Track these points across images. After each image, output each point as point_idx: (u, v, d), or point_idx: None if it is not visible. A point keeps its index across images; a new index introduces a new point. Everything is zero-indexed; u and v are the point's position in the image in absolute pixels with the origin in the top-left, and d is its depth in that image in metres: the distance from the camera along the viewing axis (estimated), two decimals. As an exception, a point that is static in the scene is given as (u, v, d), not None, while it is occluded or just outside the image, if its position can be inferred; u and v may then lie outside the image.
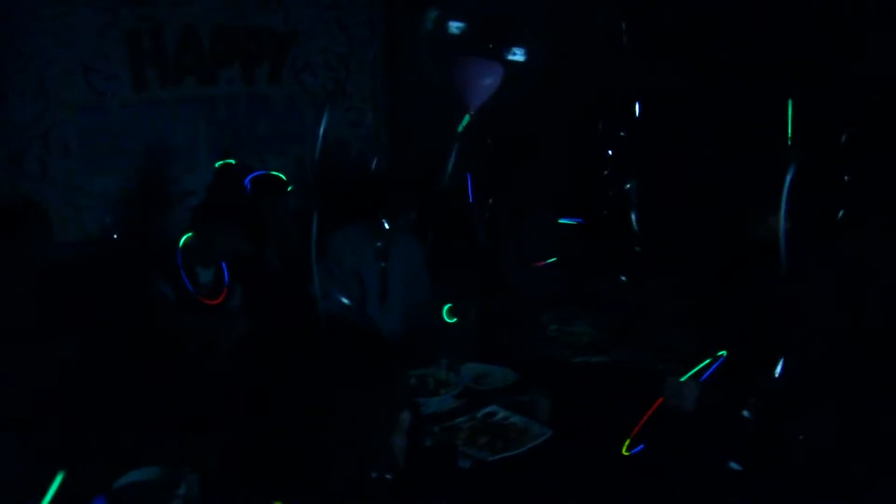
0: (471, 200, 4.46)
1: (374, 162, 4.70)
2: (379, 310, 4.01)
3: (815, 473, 2.62)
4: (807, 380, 2.75)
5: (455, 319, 3.87)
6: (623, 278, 4.12)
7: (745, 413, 2.76)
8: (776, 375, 2.69)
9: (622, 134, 4.40)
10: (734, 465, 2.69)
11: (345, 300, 3.68)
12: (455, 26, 3.77)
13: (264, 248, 4.29)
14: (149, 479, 2.61)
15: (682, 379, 2.93)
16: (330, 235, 4.09)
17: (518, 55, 3.81)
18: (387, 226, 3.89)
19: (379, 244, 3.93)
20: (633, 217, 4.10)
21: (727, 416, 2.82)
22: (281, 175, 4.21)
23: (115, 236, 4.56)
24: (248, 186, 4.27)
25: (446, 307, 3.88)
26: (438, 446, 2.86)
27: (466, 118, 3.84)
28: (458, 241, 4.29)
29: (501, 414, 3.13)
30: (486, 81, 3.83)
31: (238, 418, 2.76)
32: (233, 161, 4.16)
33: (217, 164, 4.20)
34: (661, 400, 2.90)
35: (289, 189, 4.30)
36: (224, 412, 2.90)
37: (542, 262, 4.24)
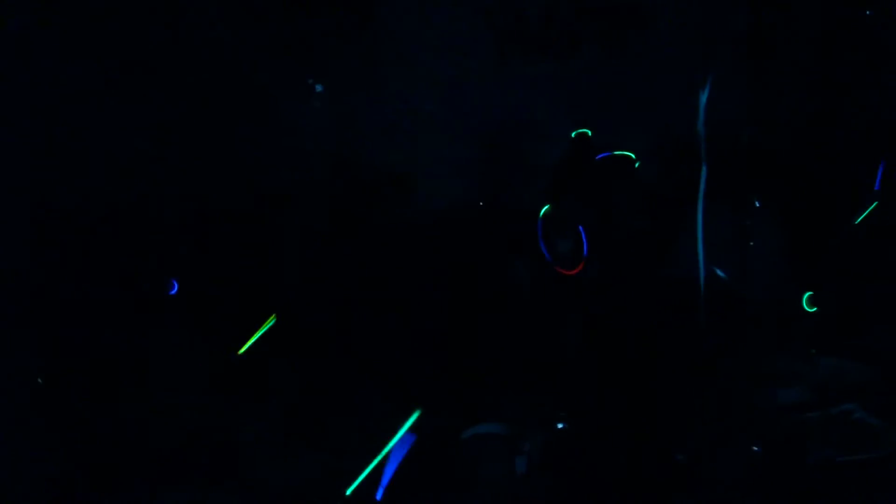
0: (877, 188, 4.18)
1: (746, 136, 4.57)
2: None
3: None
4: None
5: (815, 308, 3.70)
6: None
7: None
8: None
9: None
10: None
11: (719, 272, 3.66)
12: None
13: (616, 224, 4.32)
14: (497, 431, 2.81)
15: None
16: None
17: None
18: (757, 204, 3.81)
19: (748, 222, 3.86)
20: None
21: None
22: (629, 154, 4.23)
23: (481, 204, 4.80)
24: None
25: (807, 294, 3.72)
26: (786, 440, 2.79)
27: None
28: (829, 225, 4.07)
29: (859, 414, 2.98)
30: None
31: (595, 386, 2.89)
32: (588, 132, 4.24)
33: (573, 134, 4.29)
34: None
35: (636, 166, 4.33)
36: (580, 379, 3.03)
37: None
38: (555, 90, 5.00)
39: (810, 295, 3.71)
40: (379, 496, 2.44)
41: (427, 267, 3.88)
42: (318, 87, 4.40)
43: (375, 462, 2.42)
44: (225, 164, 3.99)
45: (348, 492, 2.44)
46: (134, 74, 3.81)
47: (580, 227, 3.89)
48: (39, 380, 2.97)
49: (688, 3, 5.17)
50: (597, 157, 4.41)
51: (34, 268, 3.32)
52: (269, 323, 2.63)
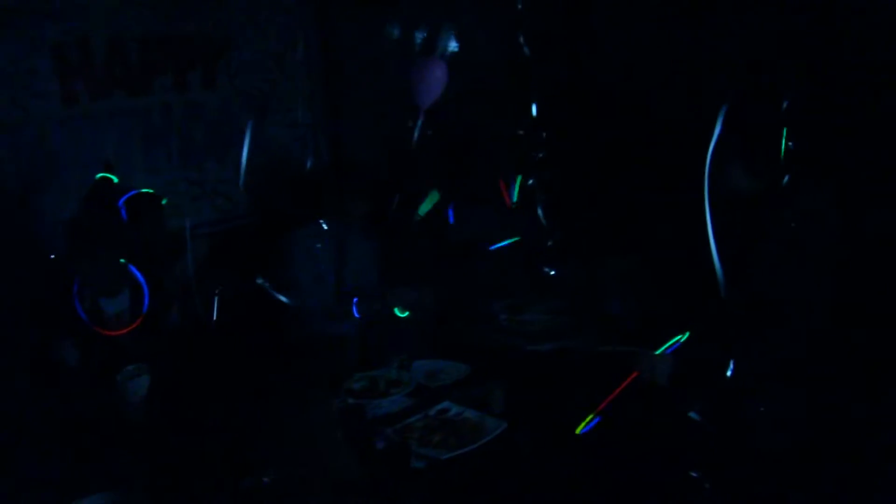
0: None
1: (310, 162, 4.63)
2: (330, 310, 3.91)
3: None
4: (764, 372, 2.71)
5: (406, 314, 3.80)
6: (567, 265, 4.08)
7: (693, 415, 2.75)
8: (728, 374, 2.67)
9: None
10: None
11: (283, 298, 3.58)
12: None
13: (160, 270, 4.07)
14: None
15: (657, 353, 2.88)
16: (271, 239, 4.01)
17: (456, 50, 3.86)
18: (325, 226, 3.81)
19: (318, 245, 3.84)
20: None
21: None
22: (150, 190, 4.06)
23: (52, 257, 4.40)
24: (123, 209, 4.07)
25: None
26: (391, 448, 2.79)
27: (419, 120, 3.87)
28: (406, 235, 4.23)
29: (454, 410, 3.07)
30: (436, 80, 3.88)
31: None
32: (113, 176, 4.00)
33: (97, 176, 4.02)
34: (635, 374, 2.85)
35: (163, 202, 4.16)
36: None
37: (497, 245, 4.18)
38: (130, 128, 4.74)
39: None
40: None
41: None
42: None
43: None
44: None
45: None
46: None
47: (142, 282, 3.54)
48: None
49: (263, 33, 5.16)
50: (123, 199, 4.14)
51: None
52: None
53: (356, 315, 3.79)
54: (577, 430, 2.76)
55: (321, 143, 5.41)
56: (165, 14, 4.82)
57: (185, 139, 5.01)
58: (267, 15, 5.25)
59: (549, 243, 4.02)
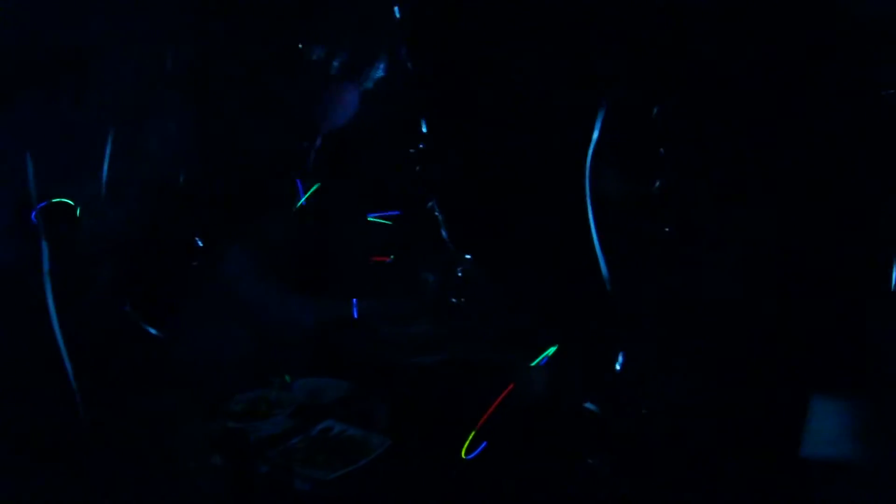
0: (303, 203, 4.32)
1: (182, 178, 4.49)
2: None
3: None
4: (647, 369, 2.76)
5: None
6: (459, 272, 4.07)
7: (590, 405, 2.76)
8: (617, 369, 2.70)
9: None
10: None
11: (152, 331, 3.45)
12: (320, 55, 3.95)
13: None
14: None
15: (532, 364, 2.89)
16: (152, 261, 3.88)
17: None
18: (200, 244, 3.71)
19: (195, 263, 3.73)
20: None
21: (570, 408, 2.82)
22: (67, 200, 3.91)
23: None
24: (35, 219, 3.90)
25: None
26: (274, 472, 2.71)
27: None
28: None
29: (337, 428, 3.01)
30: (347, 105, 3.90)
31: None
32: None
33: None
34: (511, 386, 2.85)
35: (77, 213, 4.02)
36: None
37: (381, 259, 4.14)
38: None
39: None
40: None
41: None
42: None
43: None
44: None
45: None
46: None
47: None
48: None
49: (131, 45, 4.99)
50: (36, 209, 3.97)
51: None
52: None
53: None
54: (463, 455, 2.75)
55: (196, 160, 5.28)
56: (31, 27, 4.62)
57: (54, 156, 4.80)
58: (140, 27, 5.08)
59: (459, 272, 3.99)
